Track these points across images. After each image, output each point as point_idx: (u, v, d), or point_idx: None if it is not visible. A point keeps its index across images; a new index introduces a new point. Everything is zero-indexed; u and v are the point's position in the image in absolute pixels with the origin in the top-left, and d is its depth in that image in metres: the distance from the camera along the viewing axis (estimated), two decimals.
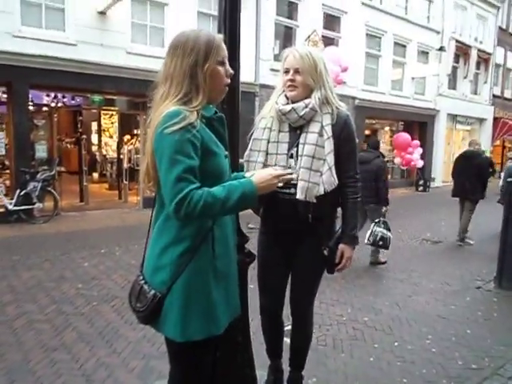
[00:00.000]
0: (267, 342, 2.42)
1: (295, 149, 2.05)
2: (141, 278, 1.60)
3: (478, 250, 6.86)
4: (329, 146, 2.00)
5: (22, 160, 8.12)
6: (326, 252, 2.11)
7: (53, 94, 10.22)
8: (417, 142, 12.52)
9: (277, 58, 11.64)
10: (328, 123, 2.02)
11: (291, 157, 2.05)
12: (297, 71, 2.01)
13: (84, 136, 10.96)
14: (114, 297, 4.29)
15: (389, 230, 5.46)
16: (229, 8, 1.78)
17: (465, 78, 18.20)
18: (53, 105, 10.29)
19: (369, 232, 5.47)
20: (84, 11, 8.48)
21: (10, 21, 7.73)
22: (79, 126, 12.42)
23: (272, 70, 11.39)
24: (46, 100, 10.33)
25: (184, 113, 1.41)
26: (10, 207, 7.77)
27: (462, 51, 17.71)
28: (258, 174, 1.59)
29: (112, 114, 13.17)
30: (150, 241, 1.61)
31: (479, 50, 18.25)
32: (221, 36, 1.57)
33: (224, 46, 1.54)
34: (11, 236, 6.99)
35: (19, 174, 8.02)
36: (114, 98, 10.62)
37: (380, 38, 14.63)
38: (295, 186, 2.01)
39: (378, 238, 5.40)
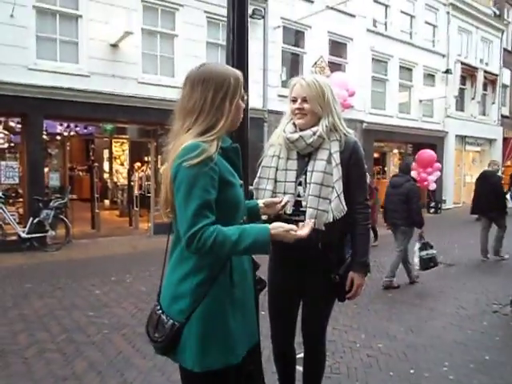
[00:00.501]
0: (279, 370, 2.38)
1: (303, 176, 2.06)
2: (158, 307, 1.59)
3: (493, 272, 6.74)
4: (337, 173, 2.00)
5: (36, 188, 8.26)
6: (336, 279, 2.09)
7: (66, 124, 10.49)
8: (439, 165, 12.37)
9: (284, 84, 11.84)
10: (336, 150, 2.03)
11: (300, 184, 2.06)
12: (304, 100, 2.03)
13: (96, 164, 11.17)
14: (124, 325, 4.27)
15: (431, 247, 5.78)
16: (237, 41, 1.84)
17: (472, 99, 18.26)
18: (66, 134, 10.54)
19: (416, 260, 5.73)
20: (97, 44, 8.78)
21: (26, 55, 8.04)
22: (91, 153, 12.69)
23: (280, 95, 11.57)
24: (59, 129, 10.60)
25: (203, 146, 1.44)
26: (23, 235, 7.86)
27: (469, 73, 17.84)
28: (276, 225, 1.52)
29: (123, 142, 13.42)
30: (168, 269, 1.61)
31: (485, 72, 18.37)
32: (237, 70, 1.63)
33: (243, 82, 1.62)
34: (23, 264, 7.04)
35: (32, 202, 8.15)
36: (126, 126, 10.85)
37: (386, 62, 14.83)
38: (304, 213, 2.01)
39: (427, 261, 5.74)
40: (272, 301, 2.26)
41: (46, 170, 9.07)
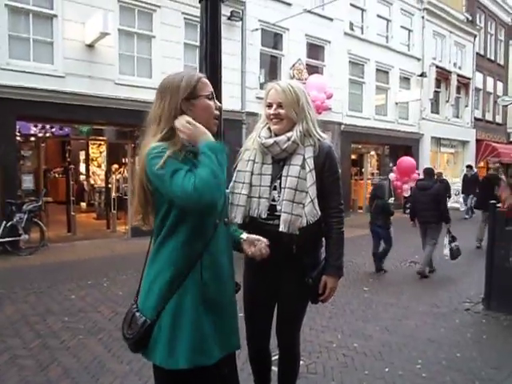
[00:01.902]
0: (255, 372, 2.40)
1: (278, 181, 2.08)
2: (134, 306, 1.64)
3: (466, 271, 6.91)
4: (311, 178, 2.02)
5: (9, 191, 8.06)
6: (309, 282, 2.11)
7: (40, 125, 10.26)
8: (416, 175, 12.55)
9: (262, 86, 11.89)
10: (310, 156, 2.05)
11: (274, 189, 2.08)
12: (280, 105, 2.05)
13: (72, 166, 10.96)
14: (100, 329, 4.22)
15: (456, 239, 6.60)
16: (209, 45, 1.86)
17: (447, 102, 18.73)
18: (41, 135, 10.32)
19: (446, 250, 6.53)
20: (72, 44, 8.63)
21: None
22: (67, 155, 12.44)
23: (258, 97, 11.58)
24: (33, 130, 10.37)
25: (164, 145, 1.50)
26: None
27: (443, 77, 18.28)
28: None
29: (100, 144, 13.22)
30: (145, 268, 1.67)
31: (459, 76, 18.86)
32: (199, 73, 1.67)
33: (207, 82, 1.63)
34: None
35: (5, 206, 7.94)
36: (103, 127, 10.70)
37: (363, 65, 15.06)
38: (279, 217, 2.04)
39: (456, 251, 6.54)
40: (247, 304, 2.27)
41: (19, 172, 8.86)
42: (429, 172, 7.00)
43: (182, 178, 1.43)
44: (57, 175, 14.00)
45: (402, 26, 16.44)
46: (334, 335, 4.12)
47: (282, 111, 2.05)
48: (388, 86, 16.09)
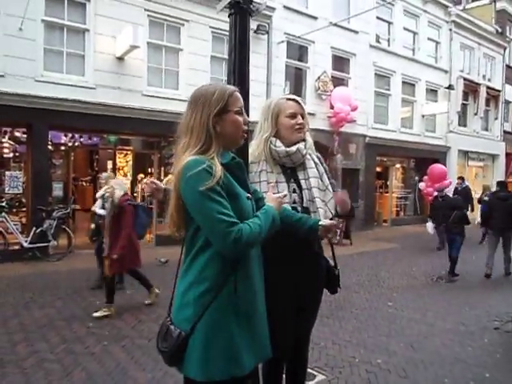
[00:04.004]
0: (270, 375, 2.34)
1: (293, 184, 2.19)
2: (168, 319, 1.65)
3: (496, 289, 6.70)
4: (325, 177, 2.25)
5: (39, 198, 8.31)
6: (337, 272, 2.30)
7: (70, 134, 10.58)
8: (449, 181, 12.28)
9: None
10: (317, 159, 2.29)
11: (294, 191, 2.17)
12: (302, 116, 2.19)
13: (99, 175, 11.21)
14: (124, 336, 4.28)
15: None
16: (238, 59, 1.90)
17: (475, 114, 18.34)
18: (70, 144, 10.63)
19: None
20: (103, 57, 8.92)
21: (33, 67, 8.16)
22: (95, 164, 12.77)
23: None
24: (64, 139, 10.69)
25: (203, 161, 1.51)
26: (26, 244, 7.90)
27: (471, 89, 17.95)
28: (268, 200, 1.76)
29: (127, 153, 13.51)
30: (178, 280, 1.68)
31: (488, 88, 18.47)
32: (233, 87, 1.69)
33: (239, 97, 1.66)
34: (25, 273, 7.06)
35: (35, 212, 8.20)
36: (130, 137, 10.94)
37: (389, 77, 14.95)
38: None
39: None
40: (271, 304, 2.22)
41: (50, 179, 9.13)
42: (503, 184, 7.99)
43: (225, 226, 1.46)
44: (85, 184, 14.35)
45: (429, 38, 16.28)
46: (357, 350, 4.05)
47: (303, 121, 2.20)
48: (414, 99, 15.90)
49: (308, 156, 2.24)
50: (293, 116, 2.16)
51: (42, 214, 8.15)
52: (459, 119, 17.75)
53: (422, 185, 12.31)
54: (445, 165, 16.83)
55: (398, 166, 16.65)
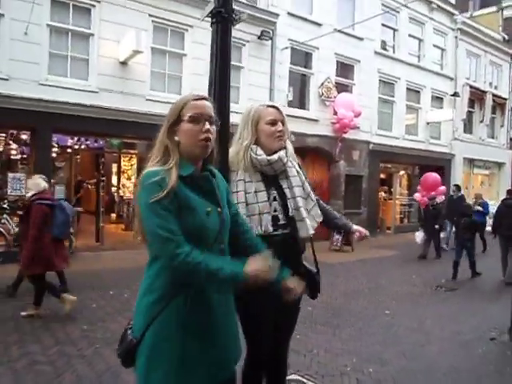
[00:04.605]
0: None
1: (274, 192, 2.16)
2: (129, 324, 1.67)
3: (498, 298, 6.61)
4: (307, 184, 2.24)
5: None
6: (318, 279, 2.32)
7: (76, 138, 10.69)
8: (443, 188, 12.20)
9: (291, 104, 11.98)
10: (298, 167, 2.27)
11: (274, 199, 2.15)
12: (282, 123, 2.17)
13: (103, 178, 11.31)
14: (116, 340, 4.15)
15: None
16: (219, 67, 1.91)
17: (481, 122, 18.25)
18: (76, 147, 10.74)
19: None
20: (106, 61, 9.00)
21: (38, 70, 8.26)
22: (101, 167, 12.88)
23: (286, 115, 11.66)
24: (70, 142, 10.82)
25: (158, 173, 1.52)
26: None
27: (477, 96, 17.87)
28: (253, 263, 1.56)
29: (131, 157, 13.63)
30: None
31: (494, 96, 18.38)
32: (193, 94, 1.64)
33: (197, 104, 1.60)
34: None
35: None
36: (134, 141, 11.02)
37: (393, 84, 14.93)
38: (284, 226, 2.13)
39: None
40: (256, 325, 2.20)
41: (52, 182, 9.21)
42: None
43: (174, 246, 1.45)
44: (90, 186, 14.47)
45: (434, 45, 16.25)
46: (350, 359, 4.02)
47: (283, 128, 2.17)
48: (419, 106, 15.86)
49: (289, 164, 2.22)
50: (273, 123, 2.15)
51: None
52: (465, 127, 17.68)
53: (416, 195, 12.20)
54: (449, 172, 16.80)
55: (402, 172, 16.59)
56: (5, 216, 7.93)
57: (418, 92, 15.85)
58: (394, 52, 14.93)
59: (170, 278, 1.54)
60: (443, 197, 11.93)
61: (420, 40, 15.83)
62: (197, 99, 1.62)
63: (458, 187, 11.80)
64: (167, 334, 1.53)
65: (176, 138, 1.60)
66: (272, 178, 2.19)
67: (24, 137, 9.40)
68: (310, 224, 2.15)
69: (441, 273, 8.37)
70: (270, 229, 2.09)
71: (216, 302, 1.61)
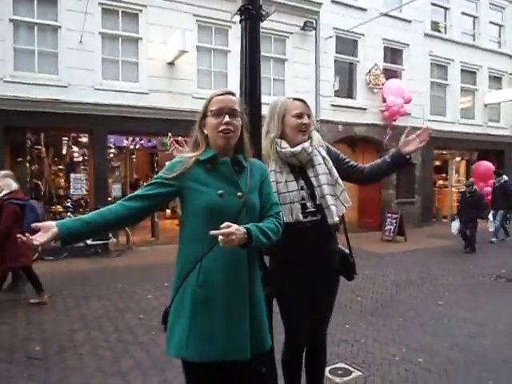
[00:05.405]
0: (291, 377, 2.41)
1: (301, 181, 2.23)
2: None
3: None
4: (334, 171, 2.27)
5: (100, 198, 8.91)
6: (351, 260, 2.35)
7: (131, 138, 11.22)
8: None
9: (337, 93, 11.81)
10: (325, 154, 2.30)
11: (302, 189, 2.22)
12: (308, 116, 2.25)
13: None
14: None
15: None
16: (249, 64, 1.99)
17: None
18: (132, 147, 11.27)
19: None
20: (154, 63, 9.36)
21: (92, 76, 8.77)
22: (155, 165, 13.43)
23: (332, 105, 11.57)
24: (125, 143, 11.38)
25: (182, 158, 1.79)
26: (88, 242, 8.50)
27: None
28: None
29: None
30: None
31: None
32: (219, 90, 1.81)
33: (219, 99, 1.76)
34: (87, 269, 7.63)
35: None
36: (185, 138, 11.35)
37: (446, 66, 14.23)
38: (313, 213, 2.19)
39: None
40: (290, 308, 2.29)
41: (110, 181, 9.77)
42: None
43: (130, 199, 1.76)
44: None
45: (491, 22, 15.26)
46: (399, 349, 3.98)
47: (309, 121, 2.25)
48: (475, 87, 15.00)
49: (315, 151, 2.27)
50: (299, 116, 2.21)
51: None
52: None
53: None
54: (511, 157, 15.79)
55: (458, 159, 15.83)
56: (69, 214, 8.52)
57: (474, 73, 14.99)
58: (445, 33, 14.22)
59: (189, 253, 1.73)
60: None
61: (474, 17, 14.94)
62: (220, 94, 1.78)
63: (500, 174, 11.12)
64: (184, 304, 1.72)
65: (205, 131, 1.78)
66: (299, 167, 2.26)
67: (84, 139, 10.03)
68: (335, 210, 2.19)
69: (501, 262, 7.97)
70: (301, 217, 2.16)
71: (228, 282, 1.71)
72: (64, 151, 10.53)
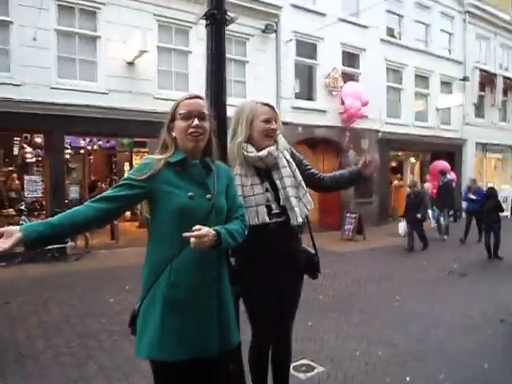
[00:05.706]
0: (258, 376, 2.46)
1: (266, 183, 2.28)
2: None
3: (506, 280, 6.64)
4: (298, 173, 2.35)
5: (57, 201, 8.61)
6: (316, 259, 2.44)
7: (88, 139, 10.91)
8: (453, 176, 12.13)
9: (297, 96, 12.01)
10: (288, 156, 2.37)
11: (267, 190, 2.27)
12: (275, 121, 2.29)
13: (115, 177, 11.54)
14: None
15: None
16: (214, 68, 2.03)
17: (492, 105, 17.98)
18: (89, 148, 10.96)
19: None
20: (114, 62, 9.16)
21: (48, 75, 8.46)
22: (114, 166, 13.13)
23: (293, 107, 11.75)
24: (82, 143, 11.06)
25: (151, 160, 1.79)
26: None
27: (488, 80, 17.58)
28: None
29: (143, 155, 13.82)
30: None
31: (505, 78, 18.06)
32: (187, 94, 1.87)
33: (187, 102, 1.80)
34: (45, 273, 7.36)
35: (53, 215, 8.48)
36: (145, 140, 11.19)
37: (401, 71, 14.82)
38: (278, 214, 2.24)
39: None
40: (258, 309, 2.32)
41: (67, 182, 9.45)
42: None
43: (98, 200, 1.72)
44: (104, 185, 14.74)
45: (442, 30, 16.04)
46: (360, 343, 4.13)
47: (276, 126, 2.29)
48: (428, 92, 15.71)
49: (280, 155, 2.32)
50: (267, 121, 2.25)
51: None
52: (476, 111, 17.45)
53: (427, 185, 12.12)
54: (461, 157, 16.64)
55: (413, 160, 16.50)
56: (23, 217, 8.18)
57: (427, 78, 15.69)
58: (400, 39, 14.80)
59: (157, 253, 1.76)
60: (428, 184, 11.94)
61: (427, 25, 15.64)
62: (188, 98, 1.82)
63: (443, 173, 11.67)
64: (155, 305, 1.73)
65: (173, 134, 1.81)
66: (265, 170, 2.30)
67: (38, 140, 9.65)
68: (299, 212, 2.26)
69: (453, 258, 8.40)
70: (267, 219, 2.21)
71: (198, 280, 1.76)
72: (15, 152, 10.10)
